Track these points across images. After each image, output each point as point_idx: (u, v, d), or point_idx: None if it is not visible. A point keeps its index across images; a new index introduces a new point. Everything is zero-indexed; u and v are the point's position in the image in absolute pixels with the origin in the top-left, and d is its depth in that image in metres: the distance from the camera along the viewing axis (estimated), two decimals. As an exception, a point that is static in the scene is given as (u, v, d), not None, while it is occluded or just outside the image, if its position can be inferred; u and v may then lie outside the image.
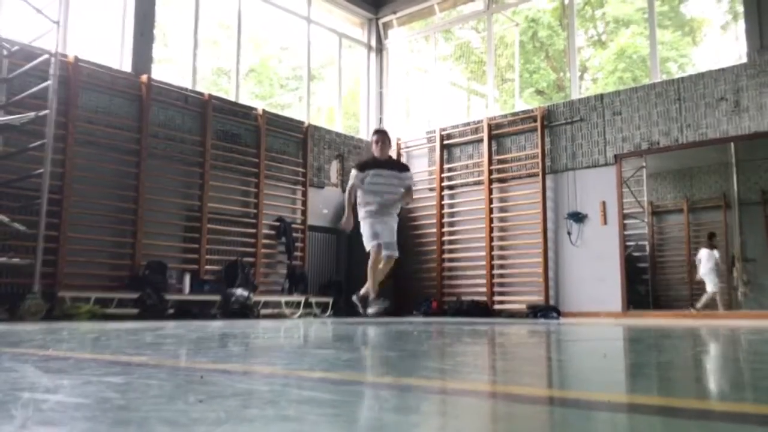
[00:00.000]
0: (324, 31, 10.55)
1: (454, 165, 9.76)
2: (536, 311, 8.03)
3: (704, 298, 8.19)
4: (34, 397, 1.30)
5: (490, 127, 9.31)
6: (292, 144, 9.31)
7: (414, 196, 10.05)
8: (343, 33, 10.82)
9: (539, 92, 14.80)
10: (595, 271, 8.15)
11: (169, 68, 11.64)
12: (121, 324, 5.18)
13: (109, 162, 7.11)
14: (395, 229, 5.73)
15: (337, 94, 10.71)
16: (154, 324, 5.13)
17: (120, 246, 7.16)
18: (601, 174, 8.32)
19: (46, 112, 5.98)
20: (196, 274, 7.62)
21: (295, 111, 13.23)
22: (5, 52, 6.37)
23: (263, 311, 8.12)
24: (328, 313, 8.83)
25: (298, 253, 9.01)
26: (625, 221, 8.25)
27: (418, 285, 9.64)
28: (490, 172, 9.20)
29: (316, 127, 9.75)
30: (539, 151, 8.69)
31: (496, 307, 8.89)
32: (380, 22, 11.12)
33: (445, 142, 9.85)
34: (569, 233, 8.46)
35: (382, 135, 5.80)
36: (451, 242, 9.58)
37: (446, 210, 9.71)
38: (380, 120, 10.96)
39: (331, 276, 9.52)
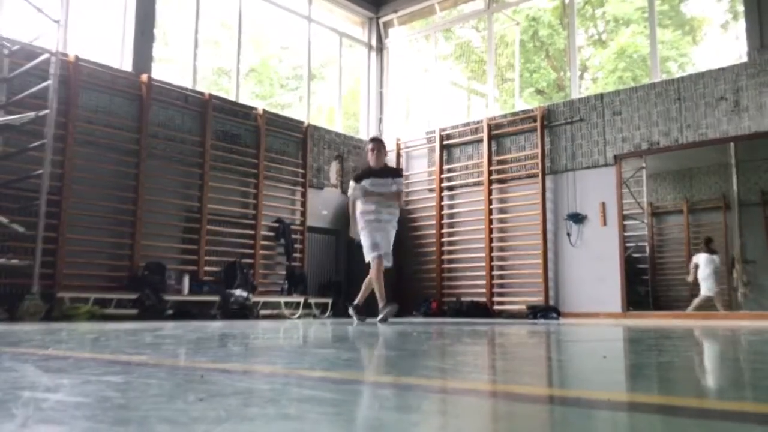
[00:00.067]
0: (324, 30, 10.55)
1: (454, 165, 9.75)
2: (536, 312, 8.02)
3: (696, 301, 8.19)
4: (35, 396, 1.30)
5: (489, 128, 9.31)
6: (292, 144, 9.31)
7: (414, 197, 10.19)
8: (344, 32, 10.82)
9: (539, 92, 14.81)
10: (594, 272, 8.15)
11: (170, 68, 11.64)
12: (120, 324, 5.18)
13: (108, 162, 7.11)
14: (393, 238, 5.92)
15: (338, 93, 10.71)
16: (153, 324, 5.13)
17: (119, 247, 7.16)
18: (601, 175, 8.32)
19: (46, 112, 5.98)
20: (195, 275, 7.62)
21: (295, 111, 13.24)
22: (6, 52, 6.37)
23: (262, 312, 8.12)
24: (327, 314, 8.83)
25: (297, 254, 9.01)
26: (625, 222, 8.24)
27: (418, 286, 9.64)
28: (490, 173, 9.20)
29: (315, 127, 9.74)
30: (539, 151, 8.69)
31: (496, 307, 8.89)
32: (381, 21, 11.12)
33: (445, 142, 9.84)
34: (569, 234, 8.46)
35: (377, 143, 6.01)
36: (450, 243, 9.58)
37: (446, 211, 9.71)
38: (380, 120, 10.96)
39: (331, 277, 9.53)
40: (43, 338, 3.33)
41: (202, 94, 8.20)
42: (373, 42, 11.15)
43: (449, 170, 9.79)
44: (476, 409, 1.25)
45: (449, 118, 10.34)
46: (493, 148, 9.32)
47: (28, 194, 6.15)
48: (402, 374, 1.84)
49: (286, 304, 8.48)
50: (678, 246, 8.99)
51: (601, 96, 8.52)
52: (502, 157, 9.21)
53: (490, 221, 9.08)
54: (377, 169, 5.86)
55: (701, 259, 8.39)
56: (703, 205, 8.75)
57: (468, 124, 9.68)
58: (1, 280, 6.17)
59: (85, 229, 6.81)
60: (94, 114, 7.07)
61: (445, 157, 9.85)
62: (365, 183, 5.79)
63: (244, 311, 7.47)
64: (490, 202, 9.12)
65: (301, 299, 8.59)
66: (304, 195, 9.25)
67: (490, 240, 9.03)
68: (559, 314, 8.06)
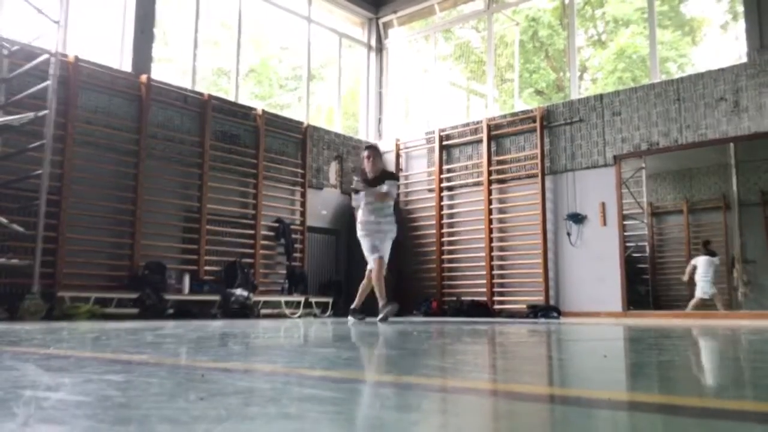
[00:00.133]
0: (324, 30, 10.55)
1: (454, 166, 9.75)
2: (536, 311, 8.03)
3: (692, 302, 8.21)
4: (36, 395, 1.31)
5: (489, 128, 9.31)
6: (291, 144, 9.31)
7: (413, 197, 10.20)
8: (344, 33, 10.82)
9: (539, 92, 14.81)
10: (595, 272, 8.15)
11: (169, 68, 11.64)
12: (121, 324, 5.18)
13: (107, 162, 7.11)
14: (389, 248, 6.10)
15: (337, 94, 10.71)
16: (153, 324, 5.13)
17: (119, 246, 7.16)
18: (601, 175, 8.32)
19: (46, 112, 5.98)
20: (195, 275, 7.62)
21: (295, 111, 13.24)
22: (5, 52, 6.37)
23: (263, 311, 8.13)
24: (328, 313, 8.84)
25: (297, 254, 9.01)
26: (625, 222, 8.25)
27: (418, 285, 9.64)
28: (490, 173, 9.20)
29: (315, 128, 9.75)
30: (538, 151, 8.69)
31: (496, 307, 8.89)
32: (380, 21, 11.13)
33: (445, 142, 9.84)
34: (569, 234, 8.46)
35: (373, 151, 6.20)
36: (450, 243, 9.58)
37: (445, 211, 9.71)
38: (379, 120, 10.96)
39: (331, 276, 9.54)
40: (44, 337, 3.33)
41: (201, 94, 8.20)
42: (373, 42, 11.15)
43: (449, 170, 9.79)
44: (476, 408, 1.26)
45: (449, 118, 10.34)
46: (493, 149, 9.32)
47: (28, 194, 6.15)
48: (402, 373, 1.85)
49: (287, 303, 8.48)
50: (678, 246, 9.00)
51: (601, 96, 8.52)
52: (501, 158, 9.21)
53: (490, 221, 9.08)
54: (371, 179, 6.05)
55: (700, 261, 8.39)
56: (703, 205, 8.76)
57: (467, 124, 9.68)
58: (1, 280, 6.18)
59: (85, 229, 6.81)
60: (94, 114, 7.07)
61: (444, 158, 9.85)
62: (362, 194, 5.99)
63: (245, 310, 7.47)
64: (489, 203, 9.12)
65: (302, 299, 8.60)
66: (303, 195, 9.25)
67: (490, 240, 9.04)
68: (560, 313, 8.06)
